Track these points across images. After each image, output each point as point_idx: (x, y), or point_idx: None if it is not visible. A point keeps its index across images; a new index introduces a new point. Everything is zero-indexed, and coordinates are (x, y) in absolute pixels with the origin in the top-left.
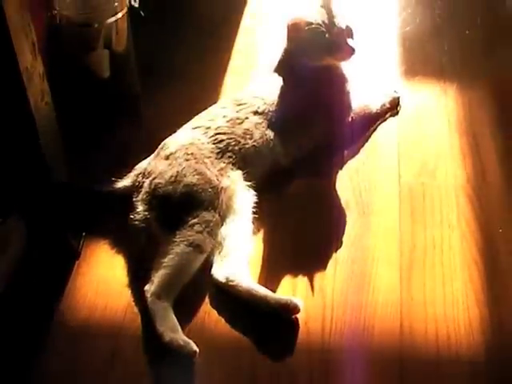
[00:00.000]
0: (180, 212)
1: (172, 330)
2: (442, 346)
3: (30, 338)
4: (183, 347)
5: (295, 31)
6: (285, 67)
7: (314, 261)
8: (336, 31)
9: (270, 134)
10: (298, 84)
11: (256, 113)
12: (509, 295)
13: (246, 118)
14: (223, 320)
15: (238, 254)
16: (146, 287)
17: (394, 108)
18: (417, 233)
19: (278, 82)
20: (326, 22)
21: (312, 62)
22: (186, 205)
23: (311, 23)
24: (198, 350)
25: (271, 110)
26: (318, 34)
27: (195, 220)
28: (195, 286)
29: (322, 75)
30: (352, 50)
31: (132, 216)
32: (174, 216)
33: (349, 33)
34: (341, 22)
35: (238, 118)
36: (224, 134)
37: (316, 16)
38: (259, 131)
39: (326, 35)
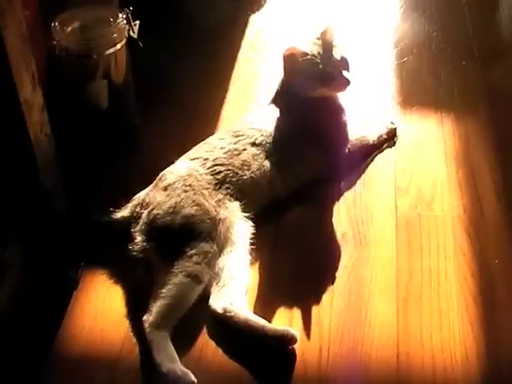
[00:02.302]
0: (178, 243)
1: (170, 360)
2: (438, 376)
3: (28, 368)
4: (181, 378)
5: (291, 62)
6: (282, 98)
7: (310, 291)
8: (331, 62)
9: (268, 165)
10: (294, 115)
11: (254, 144)
12: (505, 326)
13: (244, 149)
14: (221, 350)
15: (236, 285)
16: (145, 317)
17: (390, 139)
18: (413, 264)
19: (275, 113)
20: (322, 53)
21: (308, 92)
22: (184, 236)
23: (306, 54)
24: (195, 380)
25: (269, 141)
26: (313, 64)
27: (193, 251)
28: (193, 317)
29: (318, 106)
30: (347, 82)
31: (130, 246)
32: (172, 247)
33: (344, 64)
34: (336, 53)
35: (235, 150)
36: (222, 165)
37: (312, 47)
38: (257, 163)
39: (320, 66)
